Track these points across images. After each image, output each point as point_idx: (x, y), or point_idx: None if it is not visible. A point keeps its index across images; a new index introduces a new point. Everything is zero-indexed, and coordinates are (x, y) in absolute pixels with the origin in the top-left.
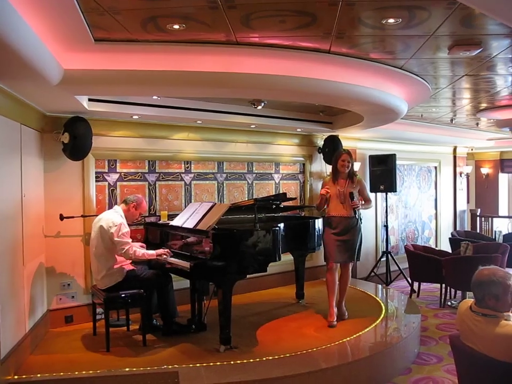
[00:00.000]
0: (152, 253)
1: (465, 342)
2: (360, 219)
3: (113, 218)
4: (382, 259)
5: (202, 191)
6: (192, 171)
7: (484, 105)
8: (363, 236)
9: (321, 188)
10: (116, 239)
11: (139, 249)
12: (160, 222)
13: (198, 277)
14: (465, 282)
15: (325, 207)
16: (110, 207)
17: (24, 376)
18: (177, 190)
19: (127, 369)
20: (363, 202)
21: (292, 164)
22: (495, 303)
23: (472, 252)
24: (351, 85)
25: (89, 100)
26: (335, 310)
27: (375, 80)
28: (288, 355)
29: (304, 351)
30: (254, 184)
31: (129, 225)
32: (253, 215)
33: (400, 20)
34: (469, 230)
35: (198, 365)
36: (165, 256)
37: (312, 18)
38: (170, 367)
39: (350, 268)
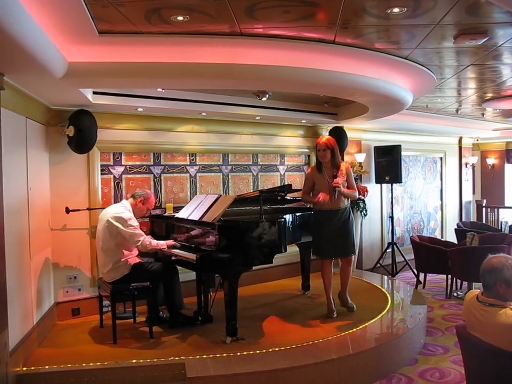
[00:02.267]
0: (163, 243)
1: (472, 332)
2: (366, 210)
3: (122, 213)
4: (387, 250)
5: (207, 183)
6: (197, 163)
7: (489, 95)
8: (369, 227)
9: (307, 180)
10: (128, 231)
11: (154, 240)
12: (166, 214)
13: (204, 269)
14: (471, 273)
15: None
16: (116, 199)
17: (32, 368)
18: (182, 182)
19: (134, 360)
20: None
21: (297, 156)
22: (506, 289)
23: (478, 243)
24: (356, 75)
25: (94, 92)
26: (334, 303)
27: (380, 70)
28: (294, 346)
29: (311, 342)
30: (259, 176)
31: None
32: (258, 207)
33: (405, 9)
34: (475, 220)
35: (204, 356)
36: (173, 246)
37: (317, 8)
38: (177, 358)
39: (352, 261)
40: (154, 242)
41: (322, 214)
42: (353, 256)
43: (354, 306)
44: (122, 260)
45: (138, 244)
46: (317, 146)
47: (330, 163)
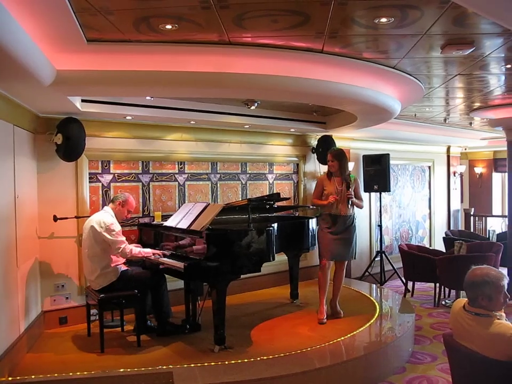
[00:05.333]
0: (148, 251)
1: (460, 341)
2: (354, 218)
3: (104, 218)
4: (376, 259)
5: (196, 191)
6: (185, 172)
7: (477, 104)
8: (358, 236)
9: (317, 186)
10: (110, 238)
11: (135, 248)
12: (154, 222)
13: (192, 277)
14: (459, 282)
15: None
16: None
17: (18, 378)
18: (171, 190)
19: (121, 369)
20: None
21: (285, 164)
22: (488, 303)
23: (466, 251)
24: (344, 84)
25: (82, 100)
26: (325, 307)
27: (368, 79)
28: (282, 355)
29: (299, 351)
30: (247, 185)
31: (122, 225)
32: (247, 215)
33: (393, 19)
34: (463, 229)
35: (192, 365)
36: (158, 255)
37: (305, 17)
38: (164, 367)
39: (345, 266)
40: (136, 250)
41: (330, 217)
42: (345, 263)
43: (342, 312)
44: (110, 266)
45: (119, 250)
46: (327, 158)
47: (339, 172)
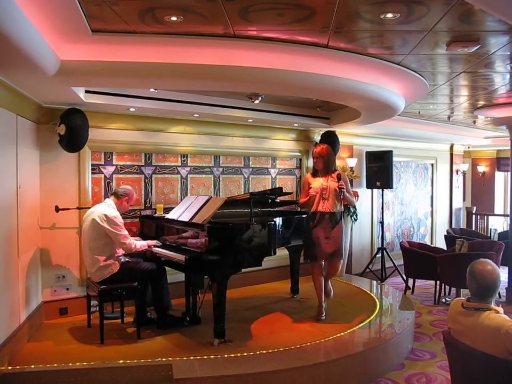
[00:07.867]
0: (144, 243)
1: (461, 340)
2: (356, 215)
3: (107, 211)
4: (377, 255)
5: (198, 184)
6: (188, 164)
7: (481, 102)
8: (359, 232)
9: (304, 185)
10: (114, 231)
11: (137, 242)
12: (156, 215)
13: (193, 270)
14: (460, 280)
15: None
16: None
17: (18, 367)
18: (173, 183)
19: (121, 361)
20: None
21: (288, 159)
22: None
23: (467, 249)
24: (349, 79)
25: (86, 91)
26: (324, 305)
27: (372, 75)
28: (282, 349)
29: (298, 346)
30: (250, 179)
31: (124, 217)
32: (249, 209)
33: (399, 14)
34: (465, 227)
35: (191, 358)
36: (153, 247)
37: (310, 12)
38: (164, 359)
39: (340, 263)
40: (139, 244)
41: (316, 216)
42: (341, 261)
43: (332, 293)
44: (111, 258)
45: (124, 246)
46: (312, 154)
47: (324, 170)
